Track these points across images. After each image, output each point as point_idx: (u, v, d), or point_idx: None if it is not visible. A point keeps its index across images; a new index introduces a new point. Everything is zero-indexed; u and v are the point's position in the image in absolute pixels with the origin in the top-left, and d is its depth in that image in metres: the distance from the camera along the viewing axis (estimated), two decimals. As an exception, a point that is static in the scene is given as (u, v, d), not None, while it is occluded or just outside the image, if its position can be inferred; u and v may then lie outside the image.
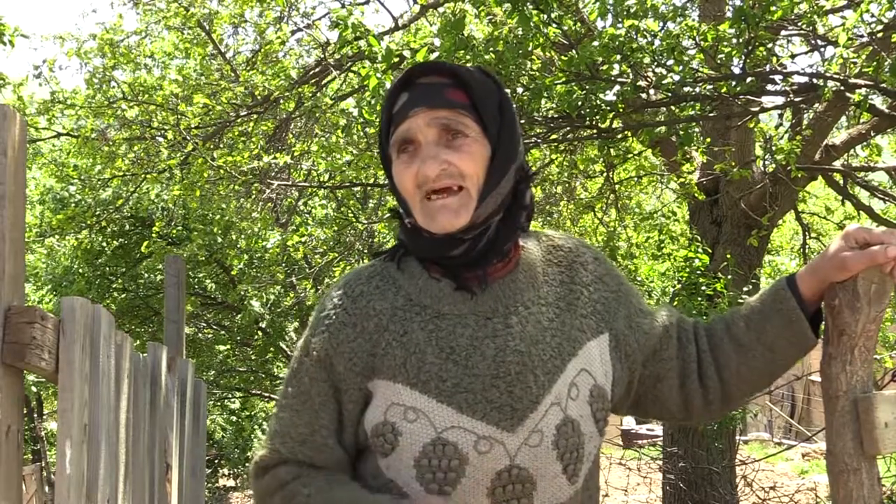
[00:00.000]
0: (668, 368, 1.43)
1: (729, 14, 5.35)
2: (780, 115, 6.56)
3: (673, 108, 4.59)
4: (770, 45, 4.27)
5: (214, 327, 14.29)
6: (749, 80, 3.99)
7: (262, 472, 1.37)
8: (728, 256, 5.79)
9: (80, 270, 12.51)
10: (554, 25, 4.18)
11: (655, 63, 4.05)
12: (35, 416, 15.43)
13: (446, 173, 1.26)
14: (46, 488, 10.65)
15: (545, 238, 1.43)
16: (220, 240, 11.32)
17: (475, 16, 5.09)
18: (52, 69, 8.22)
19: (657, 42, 3.99)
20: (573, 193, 8.03)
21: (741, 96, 4.11)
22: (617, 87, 4.05)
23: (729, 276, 5.32)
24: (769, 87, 4.26)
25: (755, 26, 3.71)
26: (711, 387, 1.44)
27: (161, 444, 3.64)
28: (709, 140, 5.72)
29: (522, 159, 1.36)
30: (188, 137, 7.39)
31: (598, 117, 4.28)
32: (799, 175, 5.22)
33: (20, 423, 2.01)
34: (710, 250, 5.92)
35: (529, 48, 4.18)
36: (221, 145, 7.81)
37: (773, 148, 5.09)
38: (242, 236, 9.68)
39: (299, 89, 6.88)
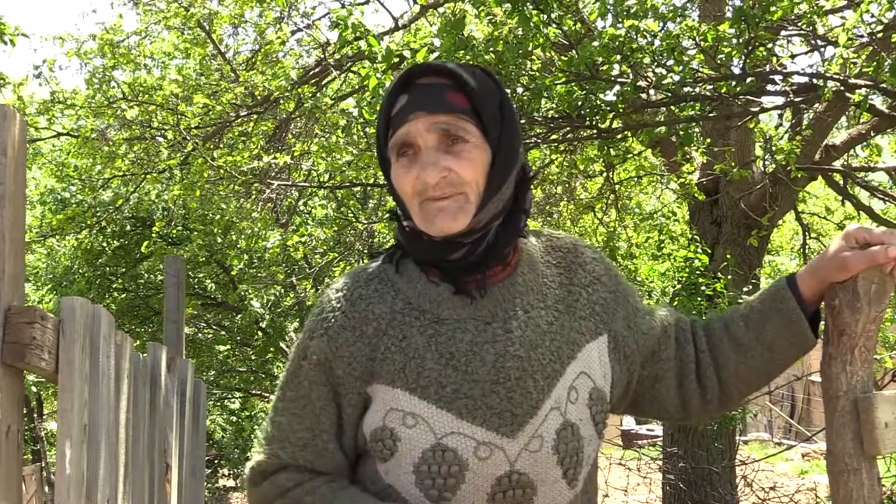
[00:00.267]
0: (667, 369, 1.43)
1: (729, 14, 5.35)
2: (780, 116, 6.56)
3: (673, 108, 4.58)
4: (770, 46, 4.27)
5: (214, 327, 14.28)
6: (749, 80, 3.99)
7: (261, 479, 1.34)
8: (728, 256, 5.79)
9: (81, 271, 12.51)
10: (554, 25, 4.18)
11: (655, 63, 4.04)
12: (35, 416, 15.43)
13: (446, 181, 1.25)
14: (46, 488, 10.66)
15: (544, 238, 1.42)
16: (220, 240, 11.32)
17: (475, 16, 5.09)
18: (52, 69, 8.23)
19: (657, 42, 3.99)
20: (573, 193, 8.03)
21: (741, 96, 4.10)
22: (617, 87, 4.05)
23: (729, 277, 5.31)
24: (769, 87, 4.26)
25: (755, 26, 3.71)
26: (710, 387, 1.44)
27: (161, 444, 3.64)
28: (709, 140, 5.72)
29: (523, 160, 1.34)
30: (188, 137, 7.39)
31: (598, 117, 4.28)
32: (799, 175, 5.22)
33: (20, 423, 2.01)
34: (709, 250, 5.92)
35: (529, 48, 4.17)
36: (221, 145, 7.81)
37: (773, 148, 5.09)
38: (242, 236, 9.68)
39: (299, 89, 6.88)
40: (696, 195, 6.08)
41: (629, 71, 4.02)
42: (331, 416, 1.31)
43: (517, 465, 1.25)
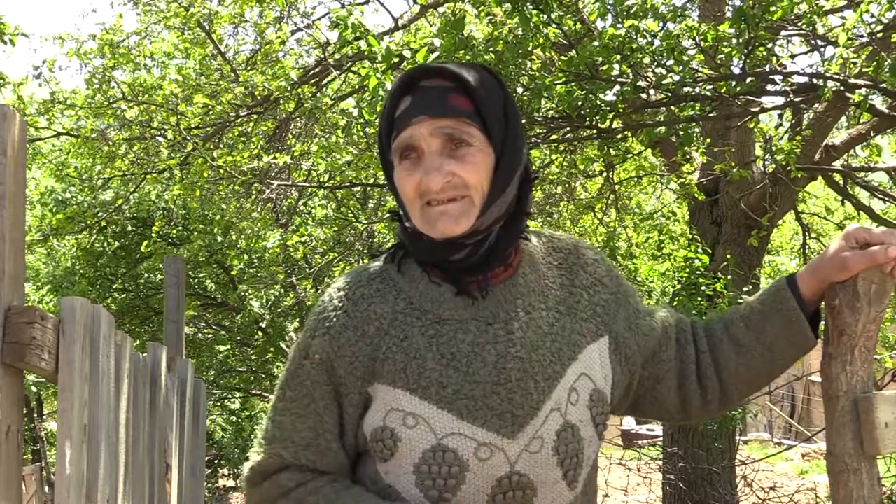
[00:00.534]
0: (667, 370, 1.43)
1: (729, 14, 5.35)
2: (780, 116, 6.56)
3: (673, 108, 4.58)
4: (770, 46, 4.27)
5: (214, 327, 14.29)
6: (749, 80, 3.99)
7: (261, 479, 1.33)
8: (728, 256, 5.78)
9: (82, 271, 12.52)
10: (554, 25, 4.18)
11: (655, 63, 4.04)
12: (35, 416, 15.43)
13: (450, 185, 1.24)
14: (46, 488, 10.65)
15: (545, 239, 1.42)
16: (220, 240, 11.32)
17: (475, 16, 5.09)
18: (52, 69, 8.23)
19: (657, 42, 3.98)
20: (573, 193, 8.03)
21: (741, 96, 4.10)
22: (617, 88, 4.04)
23: (729, 277, 5.31)
24: (769, 87, 4.26)
25: (755, 26, 3.71)
26: (710, 387, 1.44)
27: (161, 444, 3.64)
28: (709, 140, 5.72)
29: (526, 160, 1.34)
30: (188, 137, 7.39)
31: (598, 117, 4.27)
32: (799, 175, 5.22)
33: (20, 423, 2.01)
34: (710, 250, 5.92)
35: (529, 48, 4.17)
36: (221, 145, 7.81)
37: (773, 148, 5.09)
38: (242, 236, 9.68)
39: (299, 89, 6.88)
40: (696, 195, 6.08)
41: (629, 71, 4.02)
42: (333, 416, 1.31)
43: (517, 466, 1.25)
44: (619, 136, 4.98)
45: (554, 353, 1.30)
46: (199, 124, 7.64)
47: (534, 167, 6.90)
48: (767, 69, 4.10)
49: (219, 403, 16.42)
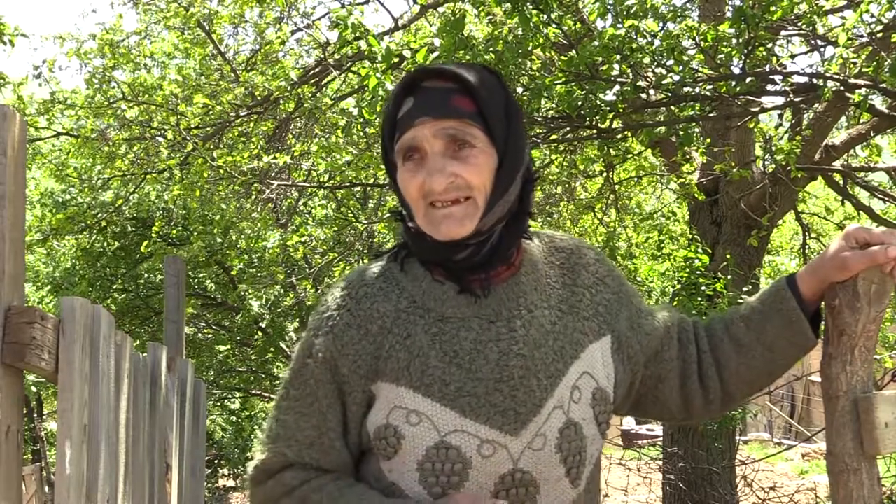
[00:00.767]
0: (670, 369, 1.43)
1: (729, 14, 5.34)
2: (780, 116, 6.56)
3: (673, 108, 4.58)
4: (770, 46, 4.27)
5: (214, 327, 14.29)
6: (749, 80, 3.99)
7: (265, 477, 1.34)
8: (728, 256, 5.79)
9: (82, 271, 12.52)
10: (554, 25, 4.18)
11: (655, 63, 4.04)
12: (35, 416, 15.43)
13: (453, 186, 1.25)
14: (46, 488, 10.65)
15: (546, 239, 1.43)
16: (220, 240, 11.32)
17: (475, 16, 5.09)
18: (52, 69, 8.22)
19: (657, 42, 3.98)
20: (573, 193, 8.03)
21: (741, 96, 4.10)
22: (617, 87, 4.04)
23: (729, 277, 5.31)
24: (769, 87, 4.26)
25: (755, 26, 3.71)
26: (712, 387, 1.44)
27: (161, 444, 3.64)
28: (709, 140, 5.72)
29: (528, 160, 1.34)
30: (188, 137, 7.39)
31: (598, 117, 4.27)
32: (799, 175, 5.22)
33: (20, 423, 2.01)
34: (709, 250, 5.92)
35: (529, 48, 4.17)
36: (221, 145, 7.80)
37: (773, 148, 5.09)
38: (242, 236, 9.68)
39: (299, 89, 6.88)
40: (696, 195, 6.08)
41: (629, 71, 4.02)
42: (337, 414, 1.31)
43: (520, 463, 1.26)
44: (619, 136, 4.98)
45: (556, 351, 1.30)
46: (199, 124, 7.64)
47: (534, 167, 6.88)
48: (767, 69, 4.10)
49: (219, 403, 16.42)
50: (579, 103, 4.09)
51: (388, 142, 1.32)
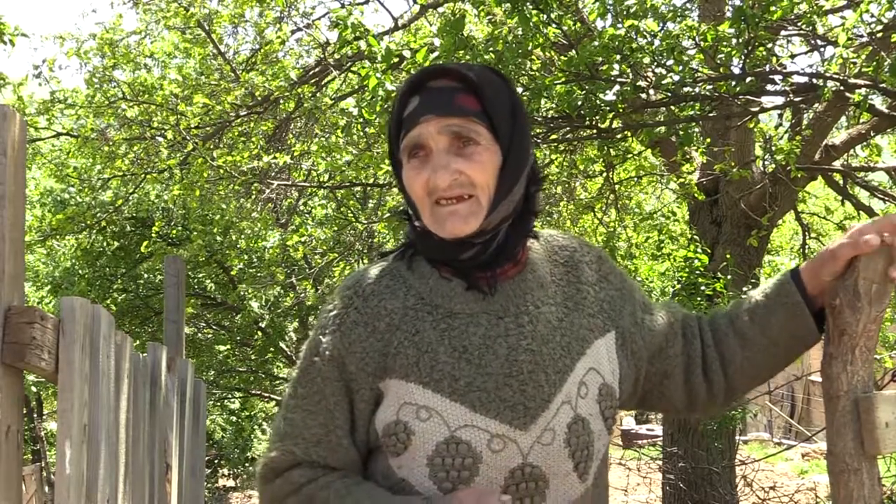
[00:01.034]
0: (674, 365, 1.44)
1: (729, 14, 5.34)
2: (780, 115, 6.56)
3: (673, 108, 4.58)
4: (770, 45, 4.27)
5: (214, 327, 14.29)
6: (749, 80, 3.99)
7: (273, 476, 1.34)
8: (728, 256, 5.79)
9: (81, 271, 12.52)
10: (554, 25, 4.18)
11: (655, 63, 4.04)
12: (35, 416, 15.42)
13: (457, 183, 1.26)
14: (46, 488, 10.65)
15: (549, 238, 1.44)
16: (220, 240, 11.32)
17: (475, 16, 5.09)
18: (52, 69, 8.22)
19: (657, 42, 3.98)
20: (573, 193, 8.03)
21: (741, 96, 4.10)
22: (617, 87, 4.04)
23: (728, 276, 5.31)
24: (769, 87, 4.26)
25: (755, 26, 3.71)
26: (716, 381, 1.45)
27: (161, 444, 3.64)
28: (708, 140, 5.72)
29: (533, 161, 1.35)
30: (188, 137, 7.39)
31: (597, 117, 4.28)
32: (799, 175, 5.22)
33: (20, 423, 2.01)
34: (709, 250, 5.92)
35: (529, 48, 4.17)
36: (221, 145, 7.80)
37: (773, 148, 5.09)
38: (242, 236, 9.68)
39: (299, 89, 6.88)
40: (696, 195, 6.08)
41: (629, 71, 4.02)
42: (344, 412, 1.31)
43: (530, 457, 1.26)
44: (619, 136, 4.98)
45: (564, 346, 1.31)
46: (199, 124, 7.64)
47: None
48: (767, 69, 4.10)
49: (219, 403, 16.41)
50: (579, 103, 4.09)
51: (393, 141, 1.34)
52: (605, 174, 7.27)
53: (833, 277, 1.36)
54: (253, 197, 8.32)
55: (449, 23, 4.17)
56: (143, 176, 8.50)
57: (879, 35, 4.26)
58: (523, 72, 4.28)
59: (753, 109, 4.43)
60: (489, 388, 1.26)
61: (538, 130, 4.56)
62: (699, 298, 5.06)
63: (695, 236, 6.20)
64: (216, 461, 17.47)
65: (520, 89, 4.13)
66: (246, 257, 11.32)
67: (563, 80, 4.06)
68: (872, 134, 5.93)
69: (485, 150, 1.27)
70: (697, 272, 5.26)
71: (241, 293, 11.85)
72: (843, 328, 1.35)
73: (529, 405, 1.27)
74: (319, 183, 7.71)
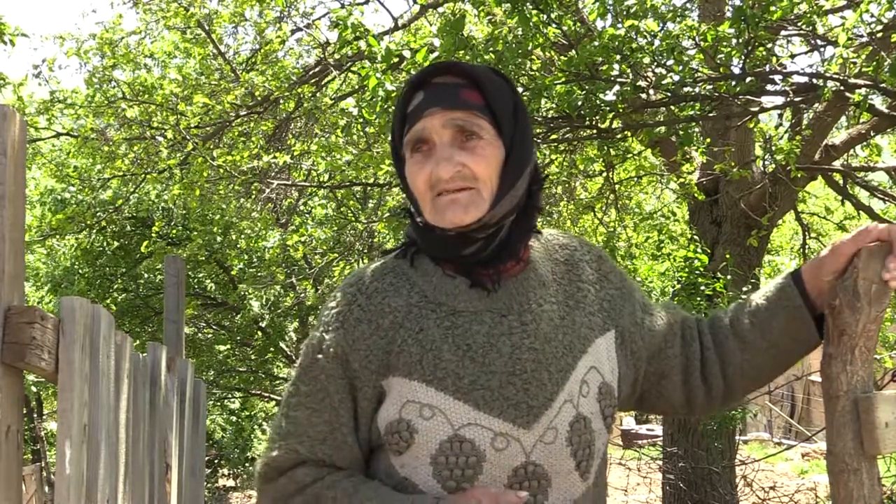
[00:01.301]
0: (673, 366, 1.44)
1: (729, 14, 5.34)
2: (780, 115, 6.56)
3: (673, 108, 4.58)
4: (770, 45, 4.27)
5: (214, 327, 14.28)
6: (749, 80, 3.99)
7: (277, 475, 1.33)
8: (728, 256, 5.78)
9: (81, 271, 12.52)
10: (554, 25, 4.18)
11: (655, 63, 4.04)
12: (35, 416, 15.42)
13: (460, 175, 1.26)
14: (46, 488, 10.65)
15: (549, 237, 1.44)
16: (219, 240, 11.32)
17: (475, 16, 5.09)
18: (52, 69, 8.22)
19: (657, 42, 3.98)
20: (573, 193, 8.03)
21: (741, 96, 4.10)
22: (617, 87, 4.04)
23: (728, 277, 5.31)
24: (769, 87, 4.26)
25: (755, 26, 3.71)
26: (715, 383, 1.45)
27: (161, 444, 3.64)
28: (708, 140, 5.72)
29: (535, 160, 1.36)
30: (188, 137, 7.39)
31: (597, 117, 4.28)
32: (799, 175, 5.22)
33: (20, 423, 2.01)
34: (709, 250, 5.92)
35: (529, 48, 4.17)
36: (221, 145, 7.80)
37: (773, 148, 5.09)
38: (242, 236, 9.68)
39: (299, 89, 6.88)
40: (696, 195, 6.08)
41: (629, 71, 4.02)
42: (348, 410, 1.31)
43: (532, 456, 1.26)
44: (619, 136, 4.98)
45: (566, 345, 1.31)
46: (199, 124, 7.64)
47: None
48: (767, 69, 4.10)
49: (219, 403, 16.41)
50: (579, 103, 4.09)
51: (397, 138, 1.34)
52: (605, 174, 7.27)
53: (834, 276, 1.36)
54: (253, 197, 8.32)
55: (449, 23, 4.17)
56: (143, 176, 8.50)
57: (879, 35, 4.25)
58: (523, 72, 4.28)
59: (753, 109, 4.43)
60: (493, 387, 1.26)
61: (538, 130, 4.56)
62: (699, 298, 5.06)
63: (695, 236, 6.20)
64: (216, 461, 17.47)
65: (520, 89, 4.13)
66: (246, 257, 11.32)
67: (563, 80, 4.06)
68: (872, 134, 5.93)
69: (488, 144, 1.28)
70: (697, 272, 5.26)
71: (241, 293, 11.85)
72: (842, 328, 1.35)
73: (533, 404, 1.27)
74: (319, 183, 7.71)
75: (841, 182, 6.33)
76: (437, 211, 1.28)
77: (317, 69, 7.48)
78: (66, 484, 2.18)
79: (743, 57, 3.94)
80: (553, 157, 6.69)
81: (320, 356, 1.32)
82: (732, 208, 6.23)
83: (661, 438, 7.13)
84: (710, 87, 4.11)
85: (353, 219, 9.42)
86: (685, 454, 6.12)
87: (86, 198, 10.68)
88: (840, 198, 6.61)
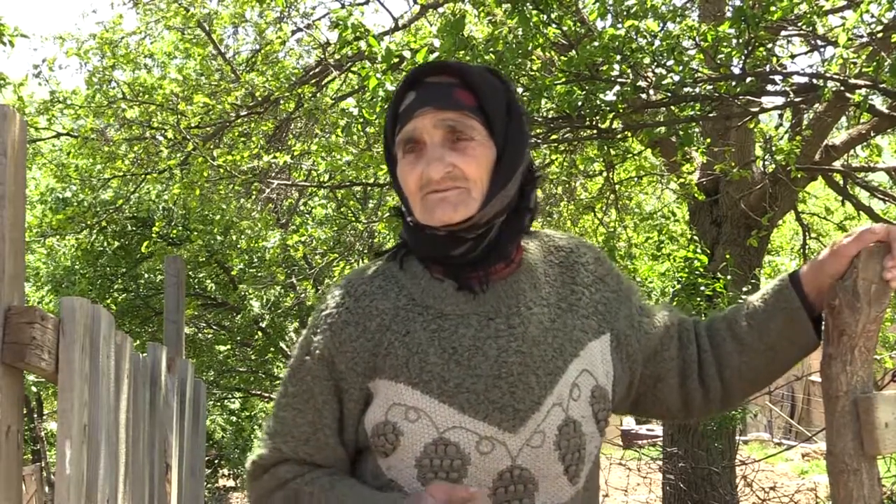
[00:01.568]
0: (669, 368, 1.43)
1: (729, 14, 5.34)
2: (780, 116, 6.56)
3: (673, 108, 4.58)
4: (770, 46, 4.27)
5: (214, 327, 14.28)
6: (749, 80, 3.99)
7: (261, 472, 1.36)
8: (728, 257, 5.78)
9: (83, 271, 12.51)
10: (554, 26, 4.18)
11: (655, 63, 4.04)
12: (35, 416, 15.42)
13: (450, 176, 1.26)
14: (46, 488, 10.65)
15: (546, 238, 1.43)
16: (220, 240, 11.32)
17: (475, 16, 5.09)
18: (52, 69, 8.22)
19: (657, 42, 3.98)
20: (573, 194, 8.03)
21: (741, 96, 4.10)
22: (617, 88, 4.05)
23: (728, 277, 5.31)
24: (769, 87, 4.26)
25: (755, 26, 3.71)
26: (712, 386, 1.44)
27: (161, 444, 3.64)
28: (709, 140, 5.72)
29: (529, 160, 1.35)
30: (188, 137, 7.39)
31: (598, 117, 4.28)
32: (799, 175, 5.22)
33: (20, 423, 2.01)
34: (709, 250, 5.92)
35: (529, 48, 4.18)
36: (221, 145, 7.80)
37: (773, 148, 5.09)
38: (242, 236, 9.67)
39: (299, 89, 6.88)
40: (696, 195, 6.08)
41: (629, 71, 4.02)
42: (333, 411, 1.32)
43: (519, 460, 1.26)
44: (619, 136, 4.98)
45: (556, 348, 1.31)
46: (199, 124, 7.64)
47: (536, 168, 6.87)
48: (767, 69, 4.10)
49: (219, 403, 16.41)
50: (579, 103, 4.09)
51: (389, 137, 1.34)
52: (605, 174, 7.27)
53: (834, 277, 1.35)
54: (253, 197, 8.32)
55: (449, 23, 4.17)
56: (143, 176, 8.50)
57: (879, 35, 4.26)
58: (523, 72, 4.28)
59: (753, 109, 4.43)
60: (478, 390, 1.26)
61: (538, 130, 4.56)
62: (699, 299, 5.06)
63: (695, 236, 6.20)
64: (216, 461, 17.47)
65: (520, 89, 4.13)
66: (246, 257, 11.31)
67: (564, 80, 4.06)
68: (872, 134, 5.93)
69: (479, 145, 1.27)
70: (697, 273, 5.26)
71: (242, 293, 11.85)
72: (842, 328, 1.35)
73: (519, 407, 1.26)
74: (319, 183, 7.71)
75: (841, 182, 6.33)
76: (427, 209, 1.27)
77: (317, 69, 7.48)
78: (66, 484, 2.18)
79: (743, 57, 3.94)
80: (553, 157, 6.69)
81: (308, 358, 1.33)
82: (732, 208, 6.23)
83: (661, 439, 7.13)
84: (711, 87, 4.11)
85: (353, 219, 9.42)
86: (685, 454, 6.12)
87: (86, 198, 10.68)
88: (840, 198, 6.61)
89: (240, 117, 7.39)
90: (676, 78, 3.96)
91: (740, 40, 3.87)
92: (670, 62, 3.99)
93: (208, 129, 7.66)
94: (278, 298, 13.01)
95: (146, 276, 13.06)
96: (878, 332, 1.37)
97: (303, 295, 11.60)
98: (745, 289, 5.53)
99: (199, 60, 8.49)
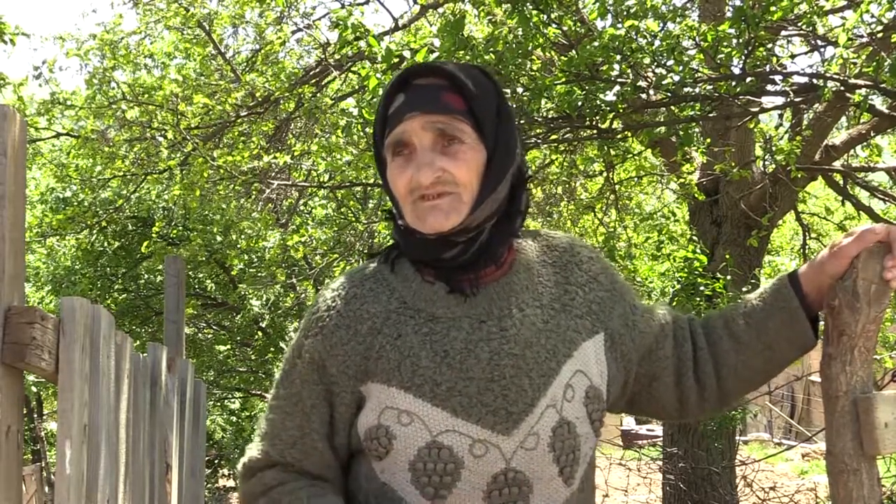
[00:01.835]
0: (664, 367, 1.43)
1: (729, 14, 5.34)
2: (780, 116, 6.56)
3: (673, 108, 4.58)
4: (770, 46, 4.27)
5: (214, 327, 14.28)
6: (749, 80, 3.99)
7: (250, 474, 1.36)
8: (728, 257, 5.78)
9: (83, 271, 12.51)
10: (554, 26, 4.18)
11: (655, 63, 4.04)
12: (35, 416, 15.42)
13: (440, 180, 1.26)
14: (46, 488, 10.65)
15: (540, 238, 1.43)
16: (220, 240, 11.32)
17: (475, 16, 5.09)
18: (52, 69, 8.22)
19: (657, 42, 3.98)
20: (573, 194, 8.03)
21: (741, 96, 4.10)
22: (617, 88, 4.05)
23: (728, 277, 5.31)
24: (769, 87, 4.26)
25: (755, 26, 3.71)
26: (708, 384, 1.44)
27: (161, 444, 3.64)
28: (709, 140, 5.72)
29: (520, 161, 1.34)
30: (188, 137, 7.39)
31: (598, 117, 4.28)
32: (799, 175, 5.22)
33: (20, 423, 2.01)
34: (709, 250, 5.92)
35: (529, 48, 4.17)
36: (221, 145, 7.81)
37: (773, 148, 5.09)
38: (242, 236, 9.67)
39: (299, 90, 6.88)
40: (696, 195, 6.08)
41: (629, 71, 4.02)
42: (321, 416, 1.32)
43: (513, 462, 1.26)
44: (619, 136, 4.98)
45: (549, 349, 1.30)
46: (199, 124, 7.64)
47: (533, 167, 6.90)
48: (767, 69, 4.10)
49: (219, 403, 16.41)
50: (579, 103, 4.09)
51: (379, 139, 1.33)
52: (605, 174, 7.27)
53: (834, 277, 1.35)
54: (253, 197, 8.32)
55: (449, 23, 4.17)
56: (143, 176, 8.50)
57: (879, 35, 4.25)
58: (523, 72, 4.28)
59: (753, 109, 4.43)
60: (471, 393, 1.26)
61: (538, 130, 4.56)
62: (699, 299, 5.06)
63: (694, 237, 6.20)
64: (216, 461, 17.47)
65: (520, 89, 4.13)
66: (246, 257, 11.31)
67: (564, 80, 4.06)
68: (872, 134, 5.93)
69: (469, 148, 1.27)
70: (697, 272, 5.26)
71: (242, 293, 11.84)
72: (841, 329, 1.35)
73: (512, 410, 1.26)
74: (319, 183, 7.71)
75: (841, 182, 6.33)
76: (418, 216, 1.27)
77: (317, 69, 7.48)
78: (66, 484, 2.18)
79: (743, 57, 3.94)
80: (553, 157, 6.69)
81: (298, 361, 1.33)
82: (732, 209, 6.23)
83: (661, 439, 7.13)
84: (711, 87, 4.11)
85: (353, 219, 9.42)
86: (685, 454, 6.12)
87: (86, 198, 10.68)
88: (840, 198, 6.61)
89: (240, 117, 7.39)
90: (676, 78, 3.96)
91: (740, 40, 3.87)
92: (670, 62, 3.99)
93: (208, 129, 7.66)
94: (278, 298, 13.00)
95: (146, 276, 13.05)
96: (877, 332, 1.37)
97: (303, 295, 11.60)
98: (744, 289, 5.53)
99: (199, 60, 8.49)
